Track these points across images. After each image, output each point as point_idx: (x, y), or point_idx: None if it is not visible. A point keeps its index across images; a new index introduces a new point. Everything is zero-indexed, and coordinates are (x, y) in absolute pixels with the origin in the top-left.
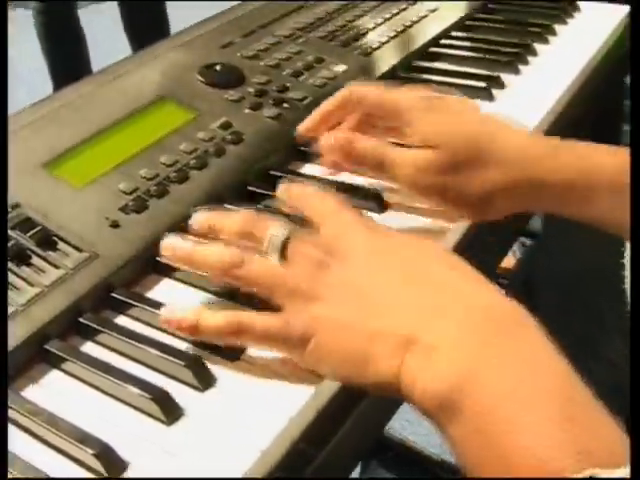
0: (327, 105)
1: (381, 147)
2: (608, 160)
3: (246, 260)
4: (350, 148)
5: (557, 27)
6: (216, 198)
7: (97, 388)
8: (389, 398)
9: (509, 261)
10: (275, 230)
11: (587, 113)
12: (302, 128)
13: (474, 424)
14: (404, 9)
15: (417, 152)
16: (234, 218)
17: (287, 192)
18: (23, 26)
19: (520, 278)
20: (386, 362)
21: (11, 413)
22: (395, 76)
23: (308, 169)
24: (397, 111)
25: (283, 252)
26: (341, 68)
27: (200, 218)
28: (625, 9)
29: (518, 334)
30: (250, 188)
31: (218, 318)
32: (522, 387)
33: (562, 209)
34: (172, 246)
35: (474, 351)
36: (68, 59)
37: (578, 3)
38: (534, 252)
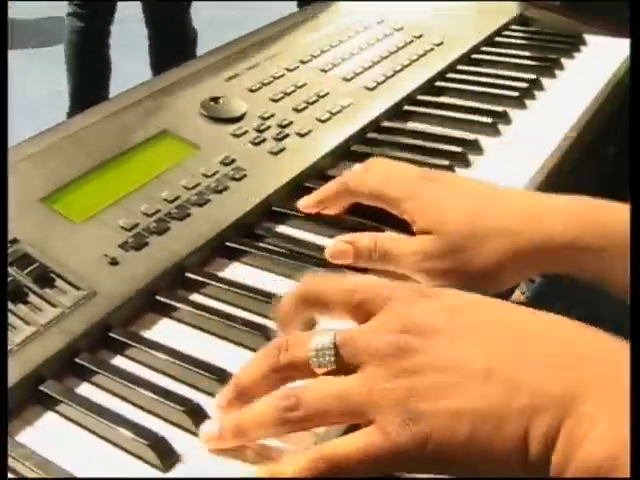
0: (324, 192)
1: (380, 241)
2: (619, 217)
3: (299, 394)
4: (353, 252)
5: (564, 61)
6: (217, 235)
7: (92, 431)
8: None
9: (517, 298)
10: (316, 340)
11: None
12: (301, 204)
13: None
14: (410, 42)
15: (415, 242)
16: (254, 365)
17: (308, 290)
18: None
19: None
20: (541, 439)
21: None
22: (400, 111)
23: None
24: (391, 204)
25: (338, 361)
26: (345, 102)
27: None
28: None
29: None
30: (252, 225)
31: (300, 466)
32: None
33: (575, 270)
34: (217, 431)
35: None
36: (91, 82)
37: (585, 37)
38: (542, 289)
